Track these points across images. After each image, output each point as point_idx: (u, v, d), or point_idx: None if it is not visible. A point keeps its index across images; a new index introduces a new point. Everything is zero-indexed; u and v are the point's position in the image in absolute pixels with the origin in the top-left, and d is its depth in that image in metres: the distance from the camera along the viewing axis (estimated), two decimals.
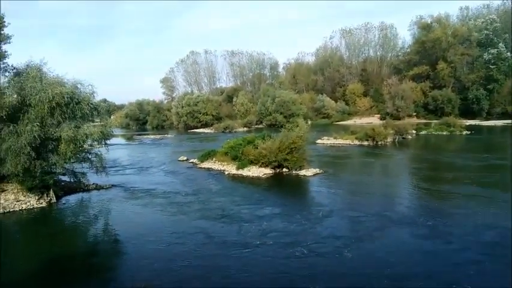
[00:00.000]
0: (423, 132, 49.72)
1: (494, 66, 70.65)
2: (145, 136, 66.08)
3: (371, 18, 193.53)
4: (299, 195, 20.47)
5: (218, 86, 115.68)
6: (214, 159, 28.41)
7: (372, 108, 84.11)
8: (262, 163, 24.50)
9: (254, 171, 24.22)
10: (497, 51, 70.69)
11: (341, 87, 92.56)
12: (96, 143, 20.47)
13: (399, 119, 64.86)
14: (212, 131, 71.42)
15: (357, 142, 39.41)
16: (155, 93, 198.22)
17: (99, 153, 20.84)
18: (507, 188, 18.75)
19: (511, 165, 25.46)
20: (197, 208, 16.93)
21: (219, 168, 26.54)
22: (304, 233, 13.40)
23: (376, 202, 17.51)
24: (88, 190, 20.99)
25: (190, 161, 30.72)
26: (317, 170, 24.18)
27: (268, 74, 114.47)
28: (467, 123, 56.75)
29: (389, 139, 40.18)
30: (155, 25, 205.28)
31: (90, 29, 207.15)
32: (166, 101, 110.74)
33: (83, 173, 20.54)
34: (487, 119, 67.33)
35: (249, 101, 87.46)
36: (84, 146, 19.89)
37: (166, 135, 66.13)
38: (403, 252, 11.62)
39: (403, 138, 42.74)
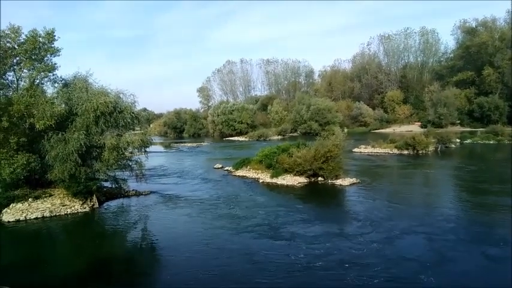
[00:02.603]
0: (468, 141, 47.17)
1: None
2: (182, 144, 67.74)
3: (410, 24, 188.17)
4: (342, 208, 19.27)
5: (253, 95, 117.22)
6: (248, 167, 28.53)
7: (412, 116, 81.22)
8: (297, 172, 24.24)
9: (288, 180, 24.01)
10: None
11: (379, 95, 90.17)
12: (136, 150, 21.24)
13: (441, 127, 62.20)
14: (247, 139, 71.97)
15: (396, 151, 38.03)
16: (192, 103, 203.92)
17: (139, 160, 21.61)
18: None
19: None
20: (233, 218, 16.87)
21: (253, 176, 26.58)
22: (367, 253, 11.96)
23: (431, 217, 15.91)
24: (128, 196, 21.74)
25: (226, 168, 31.04)
26: (354, 180, 23.55)
27: (303, 81, 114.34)
28: None
29: (431, 148, 38.44)
30: (193, 35, 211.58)
31: (131, 40, 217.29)
32: (202, 109, 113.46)
33: (124, 180, 21.35)
34: None
35: (283, 109, 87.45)
36: (125, 153, 20.72)
37: (202, 143, 67.45)
38: (495, 279, 10.24)
39: (446, 147, 40.75)
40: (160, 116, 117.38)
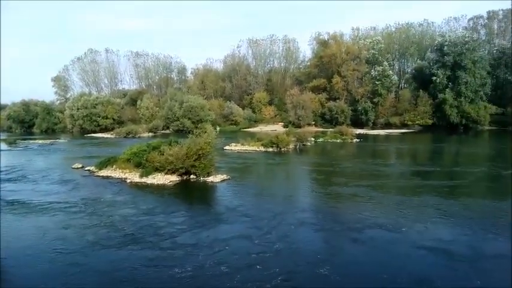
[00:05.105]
0: (320, 140, 53.57)
1: (379, 82, 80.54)
2: (32, 141, 58.25)
3: (277, 32, 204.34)
4: (217, 206, 18.94)
5: (120, 88, 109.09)
6: (114, 166, 26.38)
7: (276, 116, 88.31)
8: (169, 170, 23.59)
9: (159, 179, 23.16)
10: (382, 68, 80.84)
11: (248, 95, 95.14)
12: None
13: (300, 127, 69.33)
14: (113, 136, 66.45)
15: (262, 149, 40.76)
16: (45, 94, 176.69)
17: None
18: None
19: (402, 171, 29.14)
20: (95, 227, 15.05)
21: (120, 176, 24.73)
22: (257, 252, 11.86)
23: (302, 209, 17.00)
24: None
25: (87, 168, 28.06)
26: (225, 176, 24.23)
27: (175, 78, 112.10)
28: (357, 132, 63.00)
29: (291, 146, 42.49)
30: (51, 18, 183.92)
31: None
32: (58, 102, 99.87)
33: None
34: (372, 129, 76.29)
35: (154, 105, 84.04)
36: None
37: (58, 140, 59.42)
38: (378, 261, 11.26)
39: (304, 145, 45.63)
40: (4, 107, 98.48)
